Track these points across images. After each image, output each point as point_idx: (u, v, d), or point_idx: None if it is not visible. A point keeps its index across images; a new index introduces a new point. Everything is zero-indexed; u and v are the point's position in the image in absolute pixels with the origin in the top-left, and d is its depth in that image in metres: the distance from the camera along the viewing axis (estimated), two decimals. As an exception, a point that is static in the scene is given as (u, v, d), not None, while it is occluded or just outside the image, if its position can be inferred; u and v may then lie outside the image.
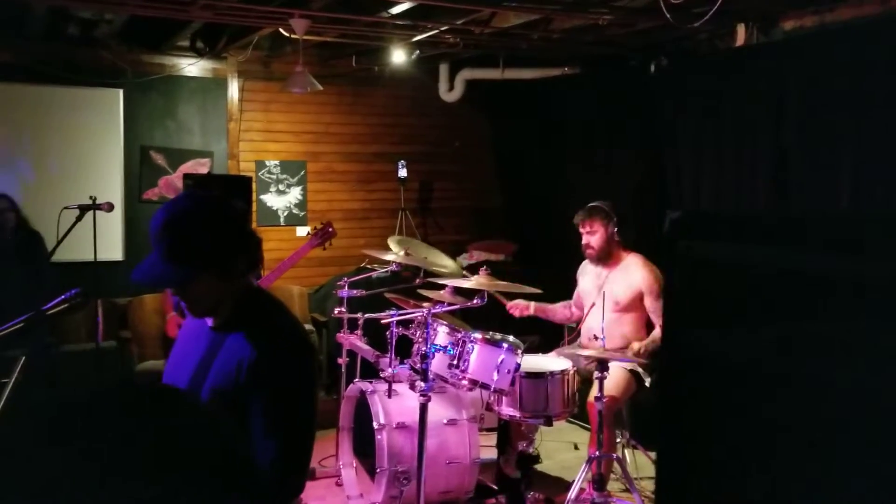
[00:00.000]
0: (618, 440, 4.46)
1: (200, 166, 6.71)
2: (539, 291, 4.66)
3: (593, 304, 4.39)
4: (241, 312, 1.90)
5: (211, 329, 1.94)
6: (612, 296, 4.38)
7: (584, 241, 4.48)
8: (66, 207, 4.54)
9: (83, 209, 4.53)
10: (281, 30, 5.67)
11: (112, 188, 6.25)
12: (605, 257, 4.46)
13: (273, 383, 1.82)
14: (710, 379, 1.06)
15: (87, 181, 6.15)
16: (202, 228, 1.79)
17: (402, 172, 7.32)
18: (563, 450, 5.19)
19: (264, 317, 1.92)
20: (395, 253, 4.61)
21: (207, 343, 1.93)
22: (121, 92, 6.39)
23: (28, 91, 6.11)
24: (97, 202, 4.61)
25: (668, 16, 3.90)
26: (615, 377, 4.17)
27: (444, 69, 7.41)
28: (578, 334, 4.70)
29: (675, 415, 1.13)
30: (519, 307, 4.70)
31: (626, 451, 4.58)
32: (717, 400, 1.05)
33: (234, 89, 6.82)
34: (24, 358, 1.93)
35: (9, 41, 5.96)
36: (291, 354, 1.88)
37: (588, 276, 4.63)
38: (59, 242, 4.54)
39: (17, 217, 5.21)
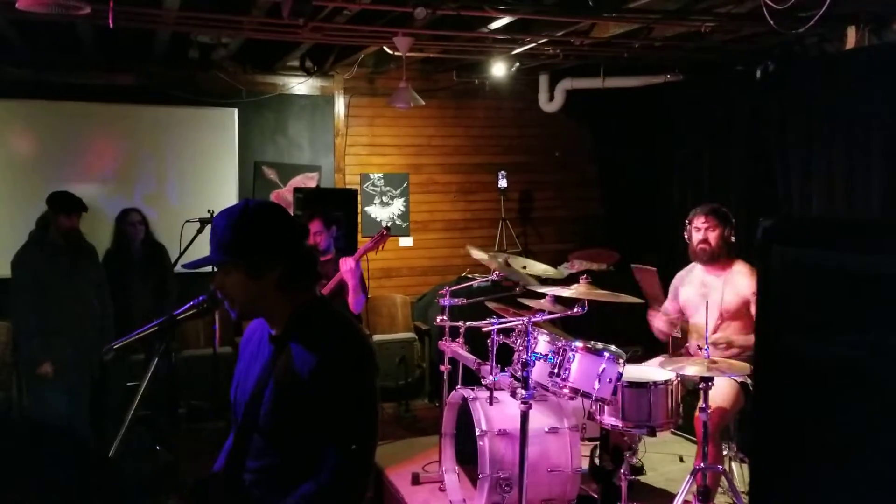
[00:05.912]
0: (724, 453, 4.37)
1: (309, 180, 6.99)
2: (641, 301, 4.63)
3: (706, 312, 4.30)
4: (303, 322, 2.00)
5: (273, 338, 2.04)
6: (720, 304, 4.29)
7: (699, 237, 4.34)
8: (187, 221, 4.85)
9: (203, 222, 4.82)
10: (385, 48, 5.86)
11: (227, 202, 6.55)
12: (716, 258, 4.35)
13: (334, 390, 1.90)
14: (805, 381, 1.09)
15: (204, 195, 6.53)
16: (236, 225, 1.97)
17: (503, 183, 7.41)
18: (667, 462, 5.12)
19: (325, 326, 2.02)
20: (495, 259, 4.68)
21: (270, 351, 2.03)
22: (235, 111, 6.75)
23: (151, 111, 6.54)
24: (214, 216, 4.87)
25: (772, 22, 3.83)
26: (722, 388, 4.06)
27: (543, 80, 7.45)
28: (686, 342, 4.62)
29: (770, 416, 1.16)
30: (664, 319, 4.53)
31: (734, 465, 4.48)
32: (812, 401, 1.07)
33: (340, 106, 7.08)
34: (156, 360, 2.04)
35: (134, 65, 6.40)
36: (352, 362, 1.96)
37: (691, 285, 4.52)
38: (181, 253, 4.85)
39: (146, 230, 5.56)
